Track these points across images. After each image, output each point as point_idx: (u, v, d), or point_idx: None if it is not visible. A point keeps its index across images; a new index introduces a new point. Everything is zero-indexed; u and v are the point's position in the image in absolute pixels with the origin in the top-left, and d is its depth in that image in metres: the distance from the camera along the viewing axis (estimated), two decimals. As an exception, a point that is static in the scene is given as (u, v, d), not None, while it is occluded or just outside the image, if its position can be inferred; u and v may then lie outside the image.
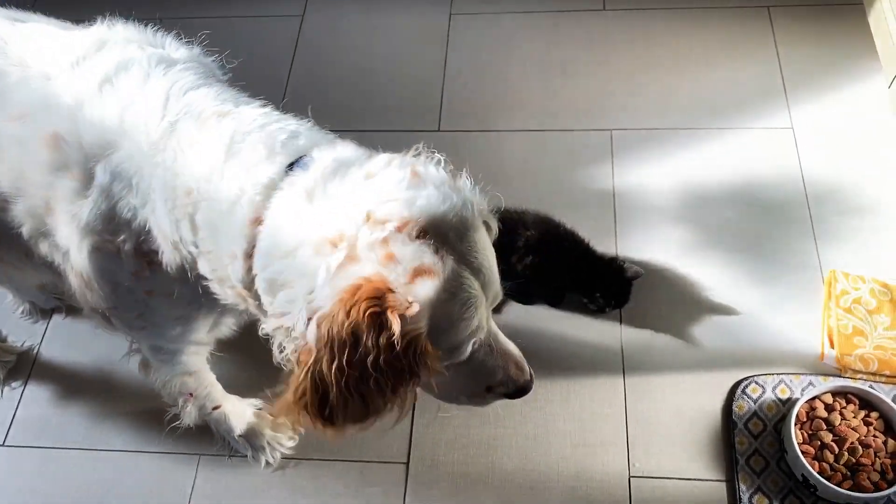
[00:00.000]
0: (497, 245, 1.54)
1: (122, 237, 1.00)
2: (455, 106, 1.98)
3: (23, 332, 1.71)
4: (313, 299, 0.85)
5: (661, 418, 1.49)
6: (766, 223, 1.71)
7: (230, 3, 2.28)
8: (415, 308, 0.83)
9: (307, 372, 0.86)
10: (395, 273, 0.84)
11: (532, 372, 1.05)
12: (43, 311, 1.75)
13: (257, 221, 0.91)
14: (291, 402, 0.90)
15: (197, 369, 1.37)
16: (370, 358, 0.83)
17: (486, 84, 2.01)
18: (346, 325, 0.82)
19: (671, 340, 1.58)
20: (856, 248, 1.66)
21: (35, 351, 1.70)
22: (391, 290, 0.83)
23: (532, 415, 1.52)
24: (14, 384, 1.66)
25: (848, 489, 1.32)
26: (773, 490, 1.39)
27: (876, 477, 1.34)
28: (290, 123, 0.99)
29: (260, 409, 1.53)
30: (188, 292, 1.05)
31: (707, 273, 1.65)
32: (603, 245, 1.66)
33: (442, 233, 0.87)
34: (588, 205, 1.77)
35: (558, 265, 1.56)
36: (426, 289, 0.84)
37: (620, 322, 1.61)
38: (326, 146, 0.96)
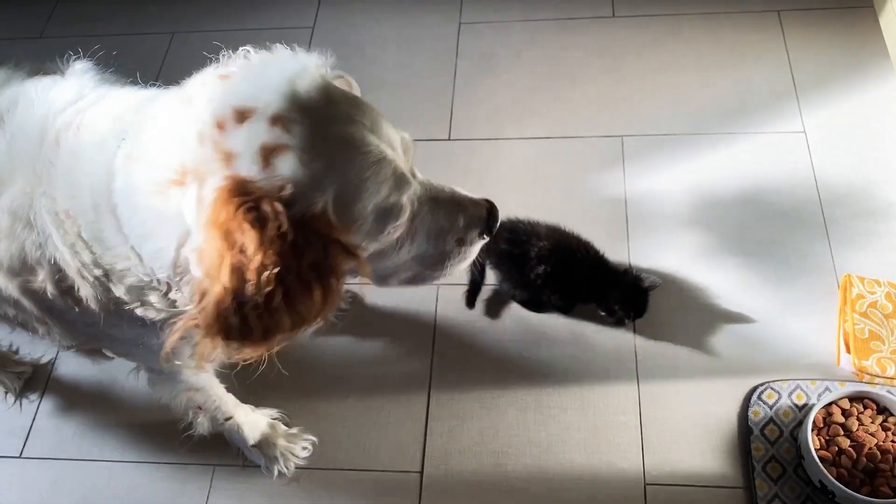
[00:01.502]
0: (510, 255, 1.56)
1: (40, 278, 0.95)
2: (465, 114, 1.98)
3: (39, 345, 1.72)
4: (185, 241, 0.79)
5: (676, 425, 1.49)
6: (780, 228, 1.70)
7: (244, 17, 2.30)
8: (288, 188, 0.77)
9: (207, 306, 0.77)
10: (243, 167, 0.76)
11: (488, 199, 1.02)
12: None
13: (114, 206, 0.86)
14: (205, 340, 0.81)
15: (203, 385, 1.35)
16: (265, 262, 0.75)
17: (495, 92, 2.01)
18: (222, 239, 0.75)
19: (685, 347, 1.57)
20: (870, 252, 1.64)
21: (51, 363, 1.71)
22: (251, 181, 0.76)
23: (546, 423, 1.52)
24: (31, 396, 1.67)
25: (866, 495, 1.30)
26: (790, 496, 1.37)
27: (895, 483, 1.33)
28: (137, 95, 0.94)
29: (275, 418, 1.53)
30: (130, 320, 0.98)
31: (720, 278, 1.64)
32: (615, 251, 1.65)
33: (273, 106, 0.79)
34: (599, 211, 1.77)
35: (571, 275, 1.55)
36: (287, 164, 0.77)
37: (634, 329, 1.60)
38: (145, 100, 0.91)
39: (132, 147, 0.85)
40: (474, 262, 1.57)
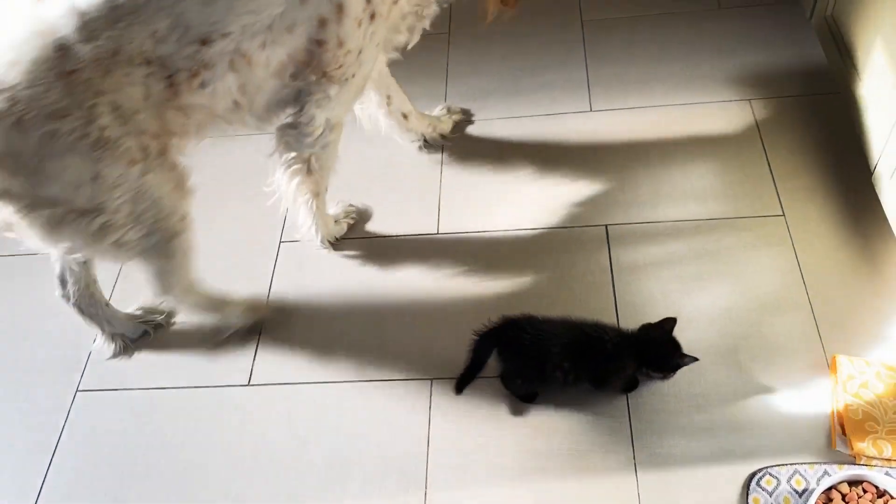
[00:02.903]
0: (533, 353, 1.55)
1: None
2: (453, 209, 2.04)
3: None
4: None
5: (677, 516, 1.47)
6: (767, 310, 1.72)
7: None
8: None
9: None
10: None
11: None
12: (130, 345, 1.89)
13: None
14: None
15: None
16: None
17: (481, 186, 2.08)
18: None
19: (681, 434, 1.57)
20: (858, 332, 1.66)
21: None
22: None
23: (545, 519, 1.50)
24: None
25: (874, 584, 1.28)
26: (797, 588, 1.35)
27: (902, 569, 1.31)
28: None
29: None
30: None
31: (710, 362, 1.65)
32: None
33: None
34: (589, 298, 1.79)
35: (595, 360, 1.57)
36: None
37: (630, 419, 1.60)
38: None
39: None
40: (476, 351, 1.60)
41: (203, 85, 1.42)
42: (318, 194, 1.85)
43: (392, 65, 1.95)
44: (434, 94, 2.34)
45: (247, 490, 1.61)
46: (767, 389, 1.61)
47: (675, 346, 1.58)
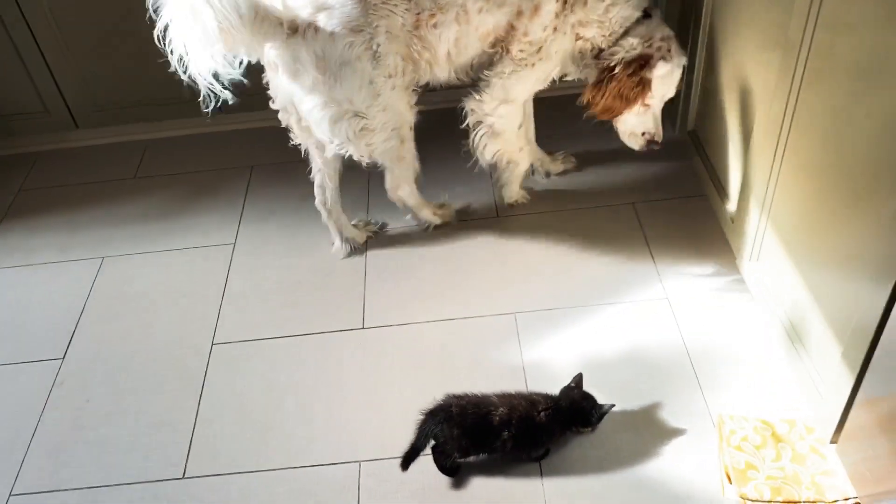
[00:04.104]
0: (472, 429, 1.69)
1: None
2: (378, 303, 2.22)
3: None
4: None
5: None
6: (657, 380, 1.93)
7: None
8: None
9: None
10: None
11: None
12: (358, 249, 2.42)
13: None
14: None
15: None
16: None
17: (403, 282, 2.28)
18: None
19: (588, 494, 1.72)
20: (736, 393, 1.89)
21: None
22: None
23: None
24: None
25: None
26: None
27: None
28: None
29: None
30: None
31: (610, 429, 1.83)
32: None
33: None
34: (502, 380, 1.95)
35: (534, 426, 1.73)
36: None
37: (542, 483, 1.74)
38: None
39: None
40: (422, 428, 1.72)
41: (436, 26, 1.98)
42: (510, 160, 2.35)
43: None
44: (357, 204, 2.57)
45: None
46: (662, 448, 1.79)
47: (593, 399, 1.78)
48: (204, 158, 2.86)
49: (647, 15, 2.09)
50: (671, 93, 2.15)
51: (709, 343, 2.01)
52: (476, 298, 2.21)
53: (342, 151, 2.11)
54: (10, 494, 1.84)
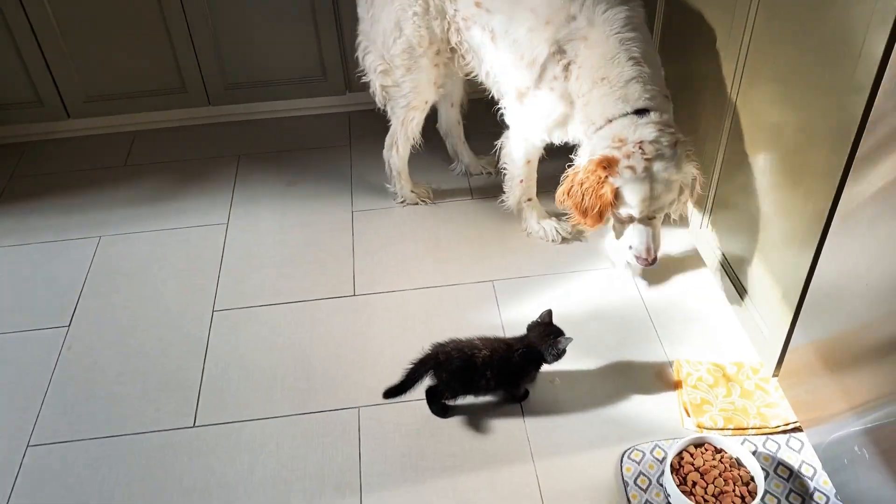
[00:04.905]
0: (460, 371, 1.88)
1: None
2: (367, 275, 2.41)
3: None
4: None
5: (570, 488, 1.80)
6: (622, 334, 2.18)
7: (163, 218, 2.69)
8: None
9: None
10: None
11: None
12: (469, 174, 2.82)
13: None
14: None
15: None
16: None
17: (389, 258, 2.48)
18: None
19: (566, 429, 1.94)
20: (691, 342, 2.14)
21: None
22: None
23: None
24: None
25: (719, 510, 1.66)
26: (665, 527, 1.71)
27: (738, 501, 1.70)
28: None
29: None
30: None
31: (586, 374, 2.06)
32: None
33: None
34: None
35: (511, 365, 1.92)
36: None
37: (524, 421, 1.95)
38: None
39: None
40: (411, 374, 1.90)
41: (465, 30, 2.19)
42: (521, 180, 2.46)
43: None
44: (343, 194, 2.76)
45: None
46: (629, 390, 2.03)
47: (559, 331, 1.97)
48: (192, 148, 3.02)
49: (642, 111, 1.87)
50: (637, 212, 1.93)
51: (666, 300, 2.27)
52: (456, 269, 2.42)
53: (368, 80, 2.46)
54: (27, 445, 1.96)
